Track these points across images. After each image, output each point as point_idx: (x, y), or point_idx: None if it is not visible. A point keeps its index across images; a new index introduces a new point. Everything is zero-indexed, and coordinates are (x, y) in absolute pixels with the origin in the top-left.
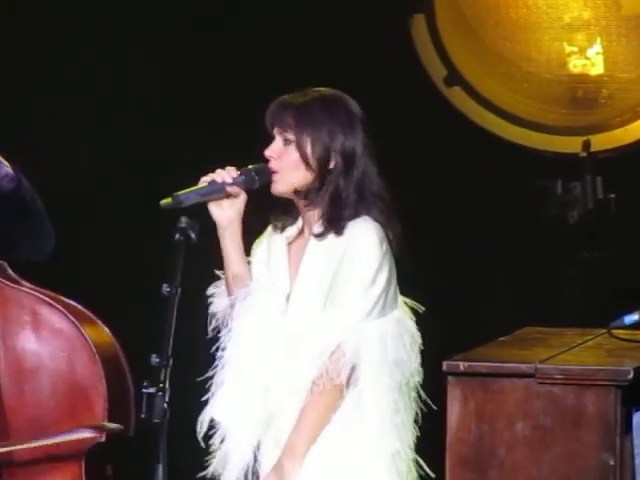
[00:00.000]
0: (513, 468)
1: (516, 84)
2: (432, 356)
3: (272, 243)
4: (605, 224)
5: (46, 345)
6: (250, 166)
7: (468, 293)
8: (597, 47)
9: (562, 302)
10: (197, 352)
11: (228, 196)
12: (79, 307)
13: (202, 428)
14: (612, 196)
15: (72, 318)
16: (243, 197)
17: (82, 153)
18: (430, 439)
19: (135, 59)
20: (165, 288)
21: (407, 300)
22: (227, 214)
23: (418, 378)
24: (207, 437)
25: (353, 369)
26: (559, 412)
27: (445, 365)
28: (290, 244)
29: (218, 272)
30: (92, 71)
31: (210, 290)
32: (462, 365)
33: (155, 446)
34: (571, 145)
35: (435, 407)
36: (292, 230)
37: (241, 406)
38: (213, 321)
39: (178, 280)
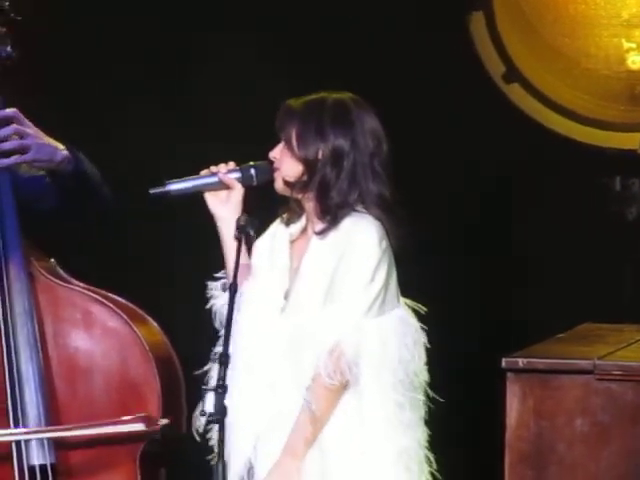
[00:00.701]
0: (572, 465)
1: (575, 80)
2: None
3: (276, 237)
4: None
5: (98, 343)
6: (252, 162)
7: (528, 290)
8: None
9: (621, 299)
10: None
11: (226, 189)
12: (130, 304)
13: (200, 423)
14: None
15: (124, 316)
16: (239, 190)
17: None
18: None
19: None
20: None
21: (407, 301)
22: (223, 205)
23: (423, 377)
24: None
25: (354, 367)
26: (618, 408)
27: (504, 362)
28: (293, 242)
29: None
30: None
31: (210, 284)
32: (521, 362)
33: (215, 443)
34: (630, 142)
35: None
36: (296, 227)
37: (237, 402)
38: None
39: (236, 277)
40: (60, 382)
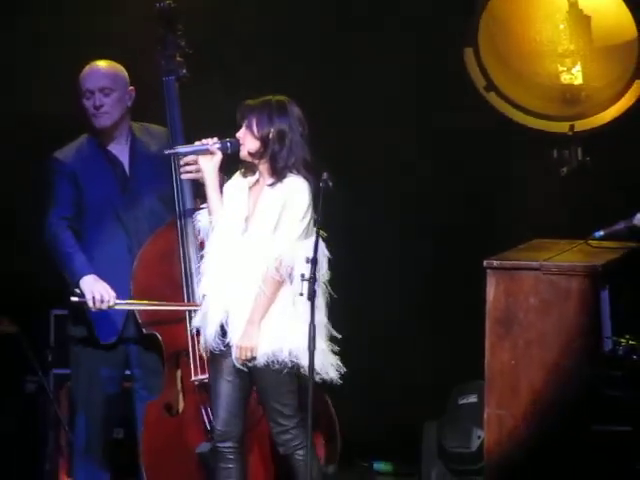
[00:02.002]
0: (528, 324)
1: (529, 90)
2: None
3: (238, 184)
4: (583, 174)
5: None
6: (227, 139)
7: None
8: (578, 67)
9: (559, 220)
10: None
11: (211, 154)
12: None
13: (202, 299)
14: (588, 158)
15: None
16: (219, 155)
17: None
18: None
19: None
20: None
21: (322, 232)
22: (208, 163)
23: (327, 276)
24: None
25: (289, 269)
26: (555, 291)
27: (485, 262)
28: (250, 188)
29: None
30: None
31: (196, 214)
32: (495, 262)
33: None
34: (563, 127)
35: None
36: (251, 180)
37: (212, 288)
38: (202, 234)
39: (322, 217)
40: None
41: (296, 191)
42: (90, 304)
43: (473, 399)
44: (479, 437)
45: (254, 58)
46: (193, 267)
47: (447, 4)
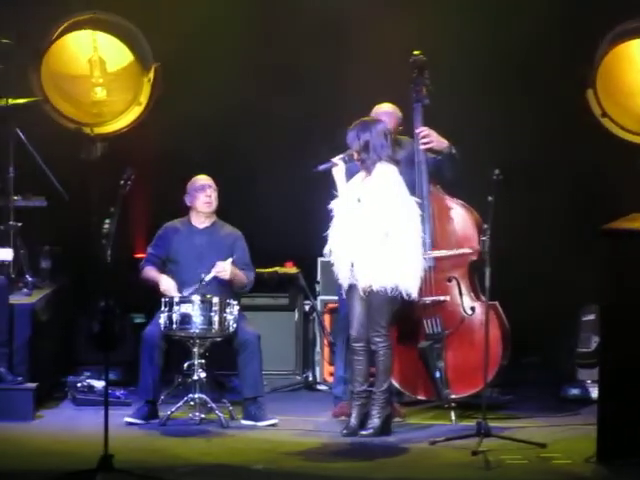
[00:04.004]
0: None
1: (631, 117)
2: None
3: (355, 179)
4: None
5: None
6: (345, 153)
7: None
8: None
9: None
10: None
11: (336, 165)
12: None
13: (329, 253)
14: None
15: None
16: (342, 165)
17: None
18: None
19: None
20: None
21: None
22: (338, 169)
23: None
24: None
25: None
26: None
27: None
28: (361, 180)
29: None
30: None
31: (332, 203)
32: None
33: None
34: None
35: None
36: (361, 174)
37: (341, 244)
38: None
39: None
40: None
41: (390, 172)
42: None
43: (591, 317)
44: (595, 342)
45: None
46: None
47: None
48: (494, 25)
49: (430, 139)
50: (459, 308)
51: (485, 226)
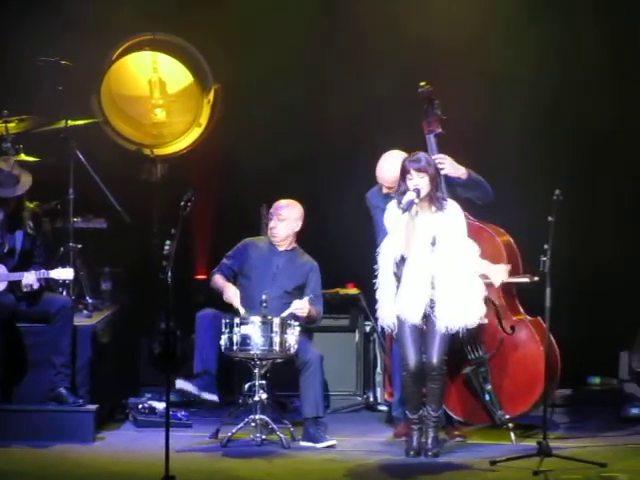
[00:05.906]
0: None
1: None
2: None
3: (410, 214)
4: None
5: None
6: (413, 191)
7: None
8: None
9: None
10: None
11: (410, 198)
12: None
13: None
14: None
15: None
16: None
17: None
18: None
19: None
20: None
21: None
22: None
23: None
24: None
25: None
26: None
27: None
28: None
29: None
30: None
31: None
32: None
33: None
34: None
35: None
36: (414, 210)
37: (413, 282)
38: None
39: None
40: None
41: (457, 210)
42: None
43: None
44: None
45: None
46: None
47: None
48: None
49: (443, 166)
50: (497, 329)
51: (545, 246)
